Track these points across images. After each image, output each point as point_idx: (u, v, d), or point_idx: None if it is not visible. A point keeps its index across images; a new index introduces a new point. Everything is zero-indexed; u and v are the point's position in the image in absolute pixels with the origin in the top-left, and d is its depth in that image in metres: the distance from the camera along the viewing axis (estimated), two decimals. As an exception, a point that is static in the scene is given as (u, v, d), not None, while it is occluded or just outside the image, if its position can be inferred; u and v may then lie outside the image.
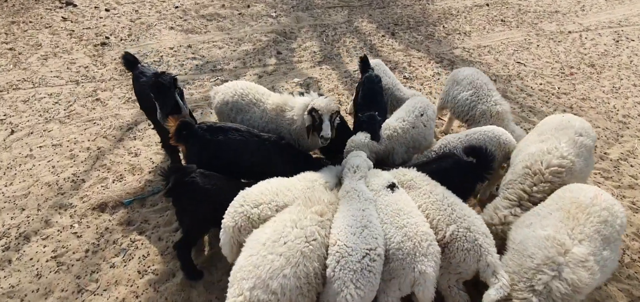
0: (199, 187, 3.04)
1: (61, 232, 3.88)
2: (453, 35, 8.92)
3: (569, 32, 9.28)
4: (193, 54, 7.55)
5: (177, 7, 9.64)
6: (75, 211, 4.11)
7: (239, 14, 9.54)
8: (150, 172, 4.65)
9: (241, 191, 2.97)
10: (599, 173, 4.85)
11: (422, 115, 4.03)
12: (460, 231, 2.71)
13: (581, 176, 3.30)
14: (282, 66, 7.23)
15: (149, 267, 3.56)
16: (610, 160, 5.08)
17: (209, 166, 3.34)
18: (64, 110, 5.74)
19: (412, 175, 3.29)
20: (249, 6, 9.99)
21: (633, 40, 8.83)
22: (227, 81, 6.36)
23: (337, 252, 2.43)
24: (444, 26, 9.42)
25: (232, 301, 2.24)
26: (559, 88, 6.87)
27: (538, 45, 8.60)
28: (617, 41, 8.87)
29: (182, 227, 3.34)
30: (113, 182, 4.49)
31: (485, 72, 7.21)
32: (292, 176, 3.34)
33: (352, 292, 2.25)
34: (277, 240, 2.43)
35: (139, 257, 3.64)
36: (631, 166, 4.99)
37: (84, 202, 4.22)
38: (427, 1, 10.91)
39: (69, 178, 4.52)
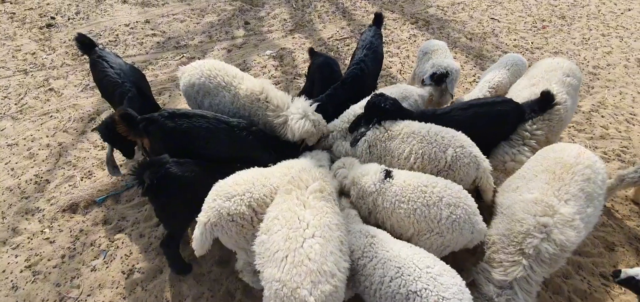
0: (177, 178, 2.93)
1: (32, 239, 3.69)
2: (426, -7, 8.88)
3: (540, -17, 9.46)
4: (152, 29, 7.12)
5: (128, -23, 8.97)
6: (43, 215, 3.91)
7: (199, -19, 9.02)
8: (121, 166, 4.44)
9: (215, 184, 2.83)
10: (573, 126, 5.12)
11: (403, 100, 3.97)
12: (457, 150, 3.08)
13: (569, 114, 3.71)
14: (252, 37, 6.98)
15: (133, 266, 3.49)
16: (583, 112, 5.36)
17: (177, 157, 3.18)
18: (15, 104, 5.32)
19: (388, 125, 3.45)
20: (208, -28, 9.44)
21: (600, -11, 9.15)
22: (194, 59, 6.18)
23: None
24: (416, -16, 9.34)
25: None
26: (532, 43, 7.07)
27: (510, 0, 8.75)
28: (585, -9, 9.16)
29: (164, 224, 3.26)
30: (81, 180, 4.28)
31: (460, 31, 7.33)
32: (271, 164, 3.24)
33: None
34: (294, 228, 2.34)
35: (122, 257, 3.55)
36: (602, 116, 5.30)
37: (51, 204, 4.02)
38: (397, -43, 10.72)
39: (31, 180, 4.26)
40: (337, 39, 6.98)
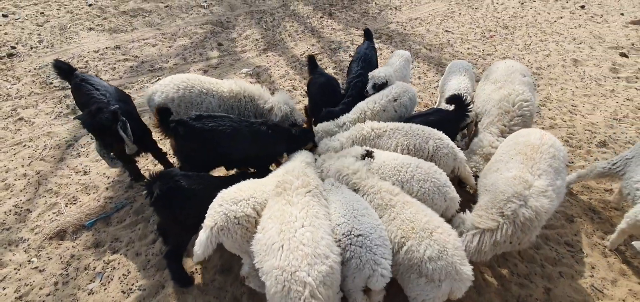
0: (185, 191, 3.00)
1: (18, 270, 3.50)
2: (386, 11, 9.48)
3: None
4: (123, 55, 7.01)
5: (90, 5, 8.78)
6: (29, 245, 3.72)
7: (166, 6, 9.02)
8: (107, 188, 4.36)
9: (219, 193, 2.96)
10: (527, 120, 5.70)
11: (395, 100, 4.30)
12: (437, 142, 3.53)
13: (535, 107, 4.25)
14: (227, 58, 7.08)
15: (133, 284, 3.42)
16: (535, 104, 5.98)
17: (200, 158, 3.36)
18: (-19, 136, 5.03)
19: (374, 126, 3.83)
20: (175, -2, 9.47)
21: (534, 1, 10.24)
22: None
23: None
24: (376, 3, 9.95)
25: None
26: (483, 50, 7.77)
27: (460, 14, 9.56)
28: (522, 3, 10.22)
29: (170, 236, 3.27)
30: (66, 206, 4.13)
31: (420, 43, 7.89)
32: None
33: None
34: (285, 222, 2.52)
35: (119, 277, 3.47)
36: (549, 110, 5.94)
37: (36, 233, 3.84)
38: (355, -21, 11.36)
39: (10, 211, 4.04)
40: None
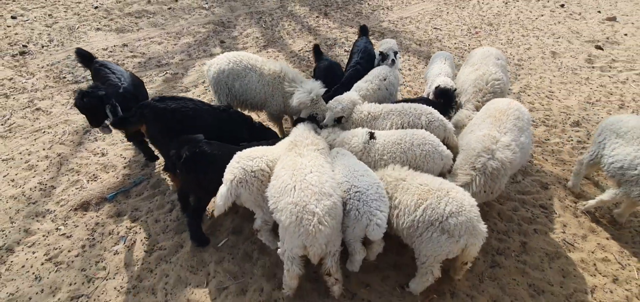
0: (209, 156, 3.37)
1: (47, 236, 3.84)
2: (378, 11, 9.97)
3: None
4: (131, 52, 7.39)
5: (96, 7, 9.15)
6: (56, 215, 4.07)
7: (168, 8, 9.42)
8: (125, 168, 4.72)
9: (236, 154, 3.33)
10: (508, 105, 6.17)
11: (384, 80, 4.72)
12: (428, 116, 3.86)
13: (506, 86, 4.69)
14: (229, 54, 7.48)
15: (154, 246, 3.77)
16: (514, 94, 6.46)
17: (169, 138, 3.65)
18: (1, 125, 5.36)
19: (370, 109, 4.15)
20: (176, 0, 9.87)
21: (518, 1, 10.81)
22: (177, 75, 6.57)
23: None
24: (368, 3, 10.44)
25: (307, 228, 2.64)
26: (469, 45, 8.26)
27: (448, 12, 10.08)
28: (506, 3, 10.77)
29: (193, 197, 3.64)
30: (88, 182, 4.48)
31: (410, 39, 8.37)
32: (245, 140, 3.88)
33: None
34: (297, 169, 2.92)
35: (141, 240, 3.83)
36: (528, 96, 6.41)
37: (61, 206, 4.18)
38: (348, -18, 11.87)
39: (35, 188, 4.38)
40: (306, 51, 7.69)
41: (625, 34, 8.60)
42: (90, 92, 3.77)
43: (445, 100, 4.52)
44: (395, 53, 5.10)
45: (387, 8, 10.17)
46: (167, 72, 6.80)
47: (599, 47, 7.99)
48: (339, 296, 3.25)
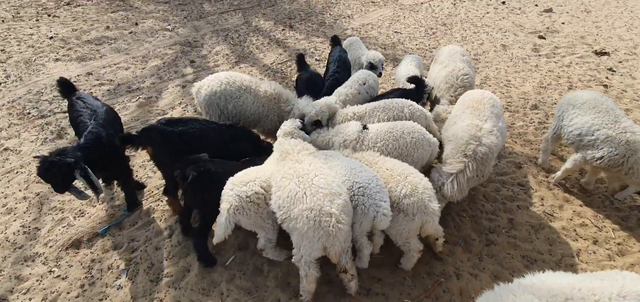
0: (214, 174, 3.31)
1: (41, 281, 3.56)
2: (340, 20, 10.26)
3: (421, 2, 11.61)
4: (97, 80, 7.02)
5: (51, 37, 8.60)
6: (46, 258, 3.78)
7: (130, 32, 9.06)
8: (112, 199, 4.49)
9: (228, 180, 3.28)
10: (473, 96, 6.62)
11: (364, 84, 4.90)
12: (410, 108, 4.14)
13: (473, 80, 5.01)
14: (202, 73, 7.34)
15: (159, 273, 3.63)
16: (476, 85, 6.92)
17: (175, 159, 3.55)
18: (-36, 171, 4.88)
19: (354, 110, 4.36)
20: (137, 24, 9.53)
21: (464, 1, 11.59)
22: (151, 99, 6.36)
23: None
24: (330, 14, 10.71)
25: (327, 230, 2.68)
26: (429, 45, 8.75)
27: (404, 17, 10.59)
28: (454, 4, 11.52)
29: (199, 216, 3.55)
30: (75, 219, 4.21)
31: (375, 44, 8.70)
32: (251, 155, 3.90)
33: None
34: (301, 176, 2.94)
35: (145, 270, 3.66)
36: (489, 86, 6.92)
37: (50, 247, 3.89)
38: (308, -6, 12.11)
39: (18, 231, 4.04)
40: (279, 63, 7.75)
41: (563, 23, 9.55)
42: (57, 161, 3.26)
43: (416, 85, 4.80)
44: (382, 63, 5.39)
45: (348, 16, 10.50)
46: (139, 97, 6.54)
47: (541, 37, 8.80)
48: (355, 293, 3.32)
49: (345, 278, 3.23)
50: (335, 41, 6.13)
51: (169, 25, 9.55)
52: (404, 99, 4.30)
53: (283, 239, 3.45)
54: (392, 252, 3.64)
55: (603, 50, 7.97)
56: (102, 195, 3.83)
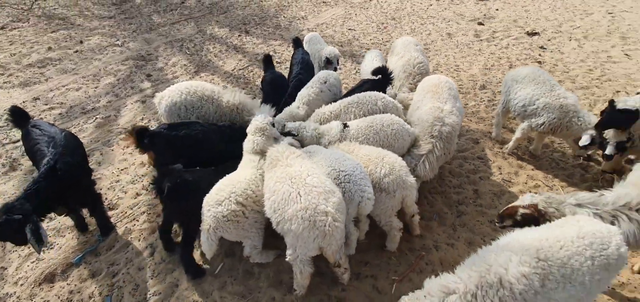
0: (191, 183, 3.25)
1: (15, 322, 3.30)
2: (295, 22, 10.33)
3: (370, 0, 12.01)
4: (46, 104, 6.50)
5: (-16, 64, 7.79)
6: (18, 297, 3.47)
7: (75, 52, 8.47)
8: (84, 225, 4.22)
9: (204, 198, 3.15)
10: (428, 83, 7.01)
11: (325, 82, 4.97)
12: (384, 100, 4.35)
13: (428, 67, 5.35)
14: (161, 86, 7.06)
15: (146, 293, 3.48)
16: (430, 72, 7.35)
17: (178, 162, 3.52)
18: None
19: (330, 109, 4.43)
20: (82, 42, 8.93)
21: (409, -4, 12.19)
22: (109, 118, 6.05)
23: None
24: (284, 16, 10.74)
25: (322, 229, 2.67)
26: (382, 39, 9.10)
27: (356, 14, 10.89)
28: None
29: (182, 229, 3.46)
30: (44, 253, 3.91)
31: (332, 42, 8.88)
32: None
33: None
34: (293, 177, 2.93)
35: (130, 292, 3.50)
36: (441, 72, 7.37)
37: (21, 285, 3.58)
38: (259, -1, 12.04)
39: (-21, 275, 3.69)
40: (240, 69, 7.66)
41: (497, 9, 10.37)
42: (5, 221, 2.93)
43: (382, 76, 5.00)
44: (338, 58, 5.53)
45: (303, 18, 10.60)
46: (96, 118, 6.16)
47: (480, 23, 9.50)
48: (347, 281, 3.43)
49: (338, 271, 3.33)
50: (297, 43, 6.21)
51: (118, 40, 9.05)
52: (376, 92, 4.46)
53: (272, 239, 3.47)
54: (376, 236, 3.81)
55: (534, 31, 8.79)
56: (44, 248, 3.58)
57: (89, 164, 4.25)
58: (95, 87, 7.06)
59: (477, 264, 2.30)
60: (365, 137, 3.85)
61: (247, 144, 3.69)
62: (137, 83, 7.22)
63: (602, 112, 4.15)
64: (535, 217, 2.86)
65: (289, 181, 2.92)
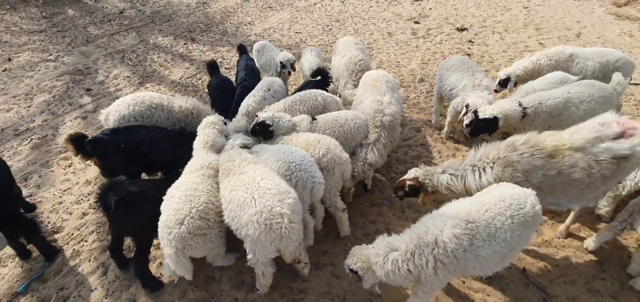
0: (137, 194, 3.12)
1: (-49, 365, 2.99)
2: (242, 27, 10.27)
3: (314, 3, 12.27)
4: (-29, 129, 5.88)
5: None
6: (-49, 339, 3.17)
7: (3, 70, 7.72)
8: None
9: (160, 220, 2.94)
10: (373, 79, 7.37)
11: (268, 90, 5.02)
12: (323, 96, 4.61)
13: (369, 63, 5.63)
14: (103, 99, 6.69)
15: (102, 313, 3.35)
16: (374, 68, 7.72)
17: (124, 168, 3.45)
18: None
19: (276, 107, 4.57)
20: (10, 59, 8.15)
21: (351, 0, 12.63)
22: (46, 138, 5.65)
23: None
24: (230, 22, 10.62)
25: (278, 232, 2.68)
26: (328, 40, 9.36)
27: (302, 18, 11.08)
28: (343, 2, 12.46)
29: (135, 242, 3.33)
30: (-19, 287, 3.57)
31: (280, 45, 8.98)
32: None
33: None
34: (247, 183, 2.93)
35: (84, 315, 3.34)
36: (384, 68, 7.77)
37: (-46, 325, 3.27)
38: (203, 6, 11.76)
39: None
40: (188, 77, 7.48)
41: (430, 8, 11.11)
42: None
43: (321, 76, 5.26)
44: (292, 63, 5.72)
45: (249, 23, 10.56)
46: (31, 138, 5.69)
47: (416, 22, 10.13)
48: (308, 274, 3.54)
49: (299, 267, 3.42)
50: (242, 50, 6.23)
51: (50, 54, 8.38)
52: (316, 90, 4.71)
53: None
54: (332, 227, 3.97)
55: (462, 27, 9.57)
56: None
57: (17, 189, 4.00)
58: (28, 107, 6.50)
59: (418, 228, 2.63)
60: (332, 130, 4.09)
61: (198, 140, 3.70)
62: (75, 99, 6.76)
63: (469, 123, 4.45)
64: (417, 188, 3.51)
65: (244, 187, 2.91)
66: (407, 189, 3.57)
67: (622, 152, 2.75)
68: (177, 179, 3.37)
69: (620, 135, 2.77)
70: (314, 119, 4.17)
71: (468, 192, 3.24)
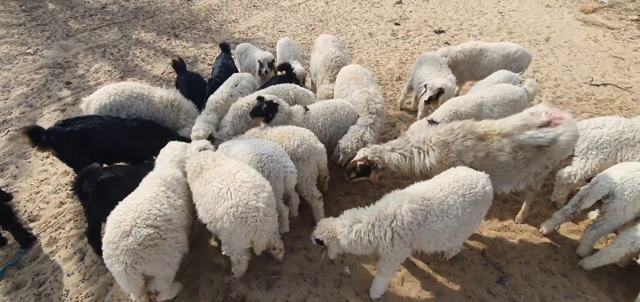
0: (113, 180, 3.20)
1: None
2: (226, 25, 10.31)
3: (299, 3, 12.40)
4: (-56, 120, 5.76)
5: None
6: None
7: (-22, 62, 7.54)
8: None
9: (104, 237, 2.68)
10: (353, 77, 7.55)
11: (236, 85, 5.06)
12: (294, 90, 4.81)
13: (346, 60, 5.77)
14: (83, 93, 6.62)
15: (78, 296, 3.37)
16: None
17: (82, 157, 3.51)
18: None
19: (248, 99, 4.60)
20: (-15, 51, 7.97)
21: (335, 1, 12.82)
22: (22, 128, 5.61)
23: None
24: (215, 20, 10.64)
25: (253, 225, 2.73)
26: (311, 39, 9.50)
27: (286, 17, 11.19)
28: (327, 2, 12.63)
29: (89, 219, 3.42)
30: (-47, 273, 3.56)
31: (263, 44, 9.07)
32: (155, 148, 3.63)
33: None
34: (223, 175, 2.96)
35: (59, 298, 3.35)
36: (364, 66, 7.96)
37: None
38: (187, 3, 11.74)
39: None
40: (170, 72, 7.49)
41: (411, 11, 11.41)
42: None
43: (286, 71, 5.47)
44: (271, 62, 5.93)
45: (234, 21, 10.61)
46: (9, 130, 5.63)
47: (397, 23, 10.40)
48: (282, 258, 3.66)
49: (274, 253, 3.54)
50: (225, 48, 6.27)
51: (29, 48, 8.23)
52: (288, 84, 4.88)
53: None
54: (307, 215, 4.11)
55: (440, 29, 9.88)
56: None
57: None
58: (5, 99, 6.40)
59: (380, 203, 2.89)
60: (324, 118, 4.31)
61: (160, 156, 3.57)
62: (54, 92, 6.69)
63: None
64: (368, 167, 3.73)
65: (219, 179, 2.91)
66: (358, 169, 3.76)
67: (542, 141, 3.06)
68: (151, 169, 3.37)
69: (547, 124, 3.05)
70: (306, 109, 4.34)
71: (412, 171, 3.53)
